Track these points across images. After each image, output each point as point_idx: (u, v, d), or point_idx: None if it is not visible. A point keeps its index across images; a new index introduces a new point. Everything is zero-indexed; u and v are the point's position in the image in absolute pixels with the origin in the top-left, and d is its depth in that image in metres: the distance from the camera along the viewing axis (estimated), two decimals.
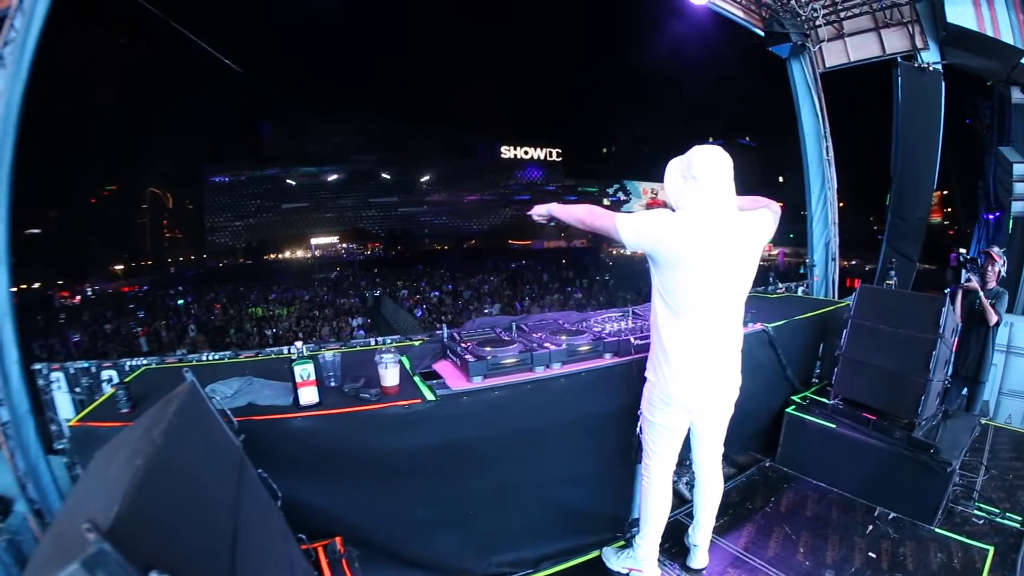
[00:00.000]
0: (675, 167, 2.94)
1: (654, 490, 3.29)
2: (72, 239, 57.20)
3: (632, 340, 3.69)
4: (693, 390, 3.00)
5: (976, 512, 3.95)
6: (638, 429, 3.29)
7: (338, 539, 2.87)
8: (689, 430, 3.25)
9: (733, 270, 2.89)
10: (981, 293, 5.29)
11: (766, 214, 3.00)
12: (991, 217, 8.45)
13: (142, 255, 71.03)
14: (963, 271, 5.31)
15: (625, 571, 3.44)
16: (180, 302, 35.51)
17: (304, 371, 2.92)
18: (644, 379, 3.17)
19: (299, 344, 3.08)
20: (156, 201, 77.86)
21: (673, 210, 2.93)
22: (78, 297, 48.44)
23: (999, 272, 5.42)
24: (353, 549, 2.85)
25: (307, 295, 35.04)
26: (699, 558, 3.54)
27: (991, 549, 3.54)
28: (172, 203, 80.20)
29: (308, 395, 2.95)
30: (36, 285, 44.58)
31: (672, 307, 2.90)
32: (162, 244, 77.47)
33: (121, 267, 64.56)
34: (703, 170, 2.81)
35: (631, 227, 2.82)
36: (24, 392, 4.77)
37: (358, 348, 4.32)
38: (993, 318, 5.31)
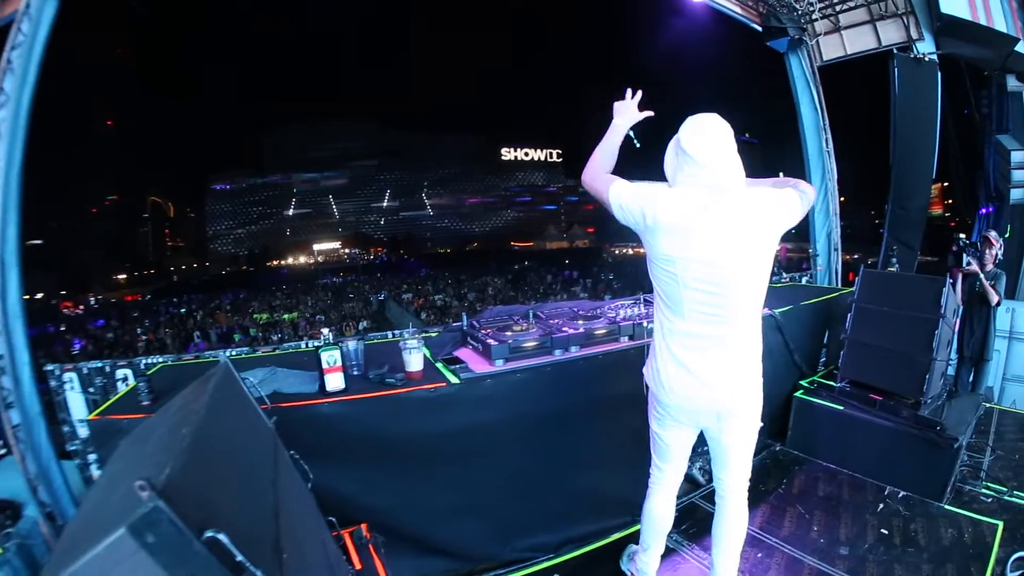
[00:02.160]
0: (671, 143, 2.57)
1: (652, 502, 3.04)
2: (74, 249, 57.09)
3: (645, 324, 3.74)
4: (692, 400, 2.67)
5: (984, 491, 4.00)
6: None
7: (364, 525, 2.89)
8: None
9: (740, 258, 2.46)
10: (981, 275, 5.43)
11: (790, 194, 2.57)
12: (985, 211, 8.50)
13: (144, 264, 70.93)
14: (964, 255, 5.44)
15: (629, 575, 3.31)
16: (183, 310, 35.53)
17: (331, 357, 2.98)
18: (646, 386, 2.85)
19: (326, 331, 3.16)
20: (157, 210, 77.88)
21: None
22: (81, 307, 48.31)
23: (996, 255, 5.53)
24: (379, 535, 2.87)
25: (311, 300, 35.00)
26: None
27: (1000, 524, 3.59)
28: (173, 211, 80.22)
29: (335, 381, 3.01)
30: (39, 296, 44.41)
31: (667, 302, 2.60)
32: (164, 253, 77.37)
33: (124, 276, 64.35)
34: (694, 142, 2.44)
35: (621, 196, 2.55)
36: (35, 395, 4.78)
37: (376, 341, 4.38)
38: (994, 298, 5.43)
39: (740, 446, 2.84)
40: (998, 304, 5.57)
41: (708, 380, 2.60)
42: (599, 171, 2.71)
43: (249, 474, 1.86)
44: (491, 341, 3.40)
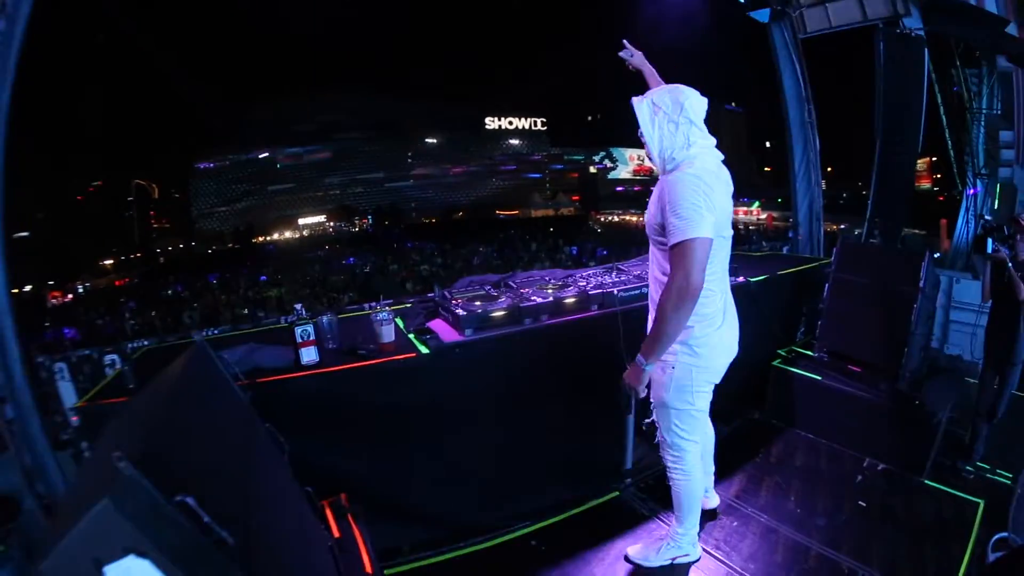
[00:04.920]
0: (650, 113, 2.69)
1: (695, 479, 3.07)
2: (60, 239, 56.98)
3: (615, 292, 3.75)
4: (729, 351, 2.91)
5: (967, 468, 4.02)
6: (652, 418, 3.06)
7: (343, 495, 2.91)
8: None
9: (729, 214, 2.78)
10: (1011, 265, 4.37)
11: None
12: (973, 191, 8.48)
13: (131, 248, 70.79)
14: (988, 240, 4.39)
15: (669, 561, 3.23)
16: (170, 292, 35.48)
17: (304, 332, 3.03)
18: (670, 368, 2.81)
19: (298, 306, 3.17)
20: (142, 193, 77.58)
21: (666, 169, 2.69)
22: (70, 296, 48.23)
23: None
24: (358, 505, 2.88)
25: (298, 275, 34.97)
26: (713, 498, 3.60)
27: (981, 503, 3.63)
28: (158, 193, 79.91)
29: (309, 354, 3.06)
30: (27, 288, 44.22)
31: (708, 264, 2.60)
32: (150, 235, 77.18)
33: (111, 262, 64.23)
34: (697, 110, 2.66)
35: (701, 231, 2.47)
36: (27, 387, 4.74)
37: (352, 314, 4.41)
38: (1023, 293, 4.42)
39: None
40: None
41: (732, 323, 2.92)
42: (678, 303, 2.51)
43: (221, 446, 1.93)
44: (460, 311, 3.42)
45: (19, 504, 4.57)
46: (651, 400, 2.95)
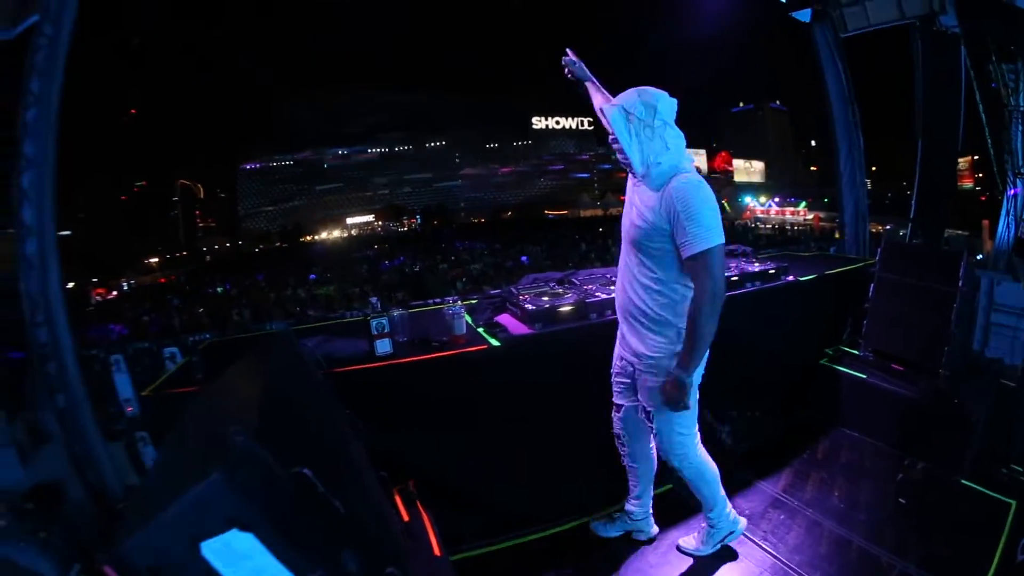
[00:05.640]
0: (624, 120, 2.65)
1: (706, 465, 3.12)
2: (104, 237, 57.61)
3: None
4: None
5: (1003, 469, 4.00)
6: (652, 430, 3.05)
7: (411, 482, 3.06)
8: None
9: None
10: None
11: None
12: (1014, 192, 8.37)
13: (176, 247, 71.56)
14: None
15: (718, 546, 3.29)
16: (219, 289, 35.86)
17: (379, 324, 3.22)
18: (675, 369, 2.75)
19: (373, 300, 3.37)
20: (187, 192, 78.37)
21: (641, 174, 2.71)
22: (114, 292, 48.69)
23: None
24: (425, 491, 3.02)
25: (347, 274, 34.99)
26: (653, 525, 3.52)
27: (1013, 504, 3.64)
28: (203, 193, 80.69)
29: (384, 346, 3.25)
30: (70, 285, 44.88)
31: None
32: (195, 234, 77.87)
33: (156, 260, 64.90)
34: (670, 111, 2.67)
35: (721, 236, 2.55)
36: (79, 378, 4.88)
37: (418, 309, 4.50)
38: None
39: None
40: None
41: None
42: (710, 311, 2.57)
43: (315, 425, 2.03)
44: (528, 306, 3.59)
45: (64, 493, 4.65)
46: (648, 408, 2.95)
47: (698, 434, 3.06)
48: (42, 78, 4.71)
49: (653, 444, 3.22)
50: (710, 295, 2.50)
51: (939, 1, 7.13)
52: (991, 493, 3.77)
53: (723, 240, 2.52)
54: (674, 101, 2.69)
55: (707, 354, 2.75)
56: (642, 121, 2.61)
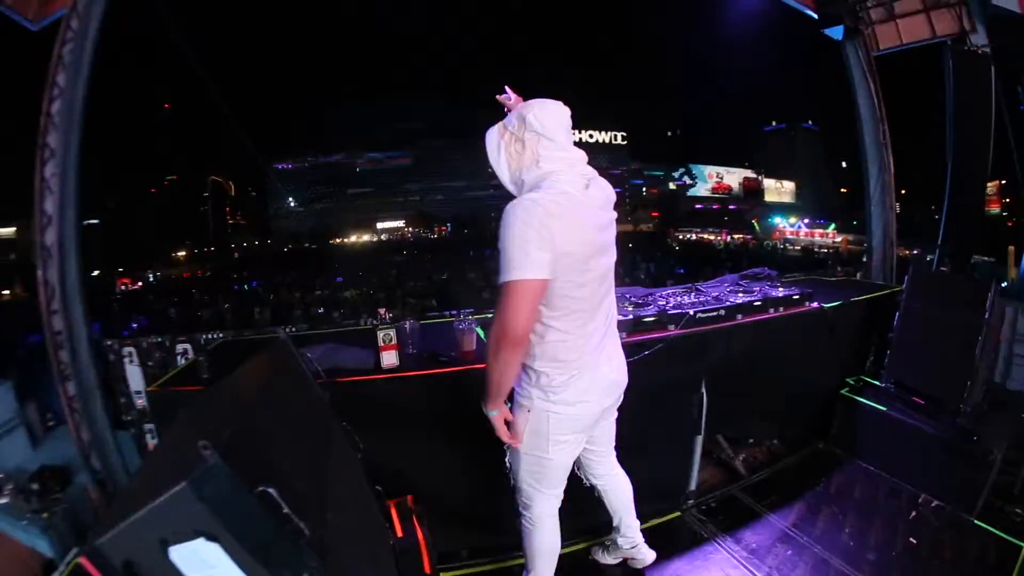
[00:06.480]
0: (497, 136, 2.40)
1: (542, 532, 2.82)
2: (132, 228, 58.26)
3: (692, 313, 3.80)
4: (599, 398, 2.54)
5: (1017, 510, 3.91)
6: (507, 467, 2.79)
7: (409, 497, 2.98)
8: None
9: (607, 239, 2.48)
10: None
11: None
12: None
13: (205, 242, 72.22)
14: None
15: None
16: (245, 287, 36.14)
17: (387, 336, 3.16)
18: (525, 411, 2.51)
19: (382, 311, 3.33)
20: (218, 189, 79.07)
21: (514, 192, 2.38)
22: (139, 283, 49.18)
23: None
24: (423, 506, 2.95)
25: (374, 278, 35.10)
26: (647, 553, 3.35)
27: (1023, 547, 3.55)
28: (234, 190, 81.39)
29: (390, 358, 3.20)
30: (95, 273, 45.35)
31: (561, 305, 2.29)
32: (225, 230, 78.50)
33: (183, 254, 65.53)
34: (546, 121, 2.29)
35: (527, 271, 2.12)
36: (92, 366, 5.00)
37: (434, 320, 4.46)
38: None
39: (614, 417, 2.88)
40: None
41: (607, 366, 2.54)
42: (493, 358, 2.27)
43: (301, 440, 2.01)
44: None
45: (70, 477, 4.76)
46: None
47: (552, 500, 2.77)
48: (67, 71, 4.76)
49: (617, 471, 3.09)
50: (494, 334, 2.20)
51: (969, 19, 7.02)
52: (1003, 535, 3.68)
53: (528, 276, 2.11)
54: (561, 110, 2.37)
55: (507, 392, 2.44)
56: (513, 134, 2.34)
